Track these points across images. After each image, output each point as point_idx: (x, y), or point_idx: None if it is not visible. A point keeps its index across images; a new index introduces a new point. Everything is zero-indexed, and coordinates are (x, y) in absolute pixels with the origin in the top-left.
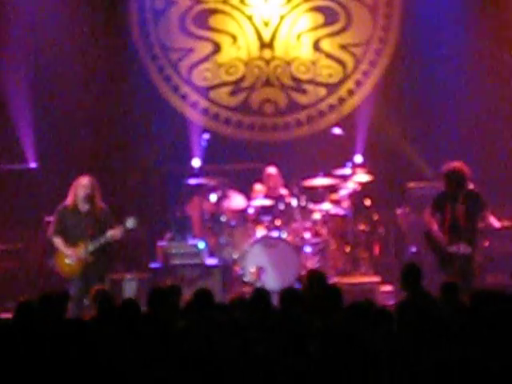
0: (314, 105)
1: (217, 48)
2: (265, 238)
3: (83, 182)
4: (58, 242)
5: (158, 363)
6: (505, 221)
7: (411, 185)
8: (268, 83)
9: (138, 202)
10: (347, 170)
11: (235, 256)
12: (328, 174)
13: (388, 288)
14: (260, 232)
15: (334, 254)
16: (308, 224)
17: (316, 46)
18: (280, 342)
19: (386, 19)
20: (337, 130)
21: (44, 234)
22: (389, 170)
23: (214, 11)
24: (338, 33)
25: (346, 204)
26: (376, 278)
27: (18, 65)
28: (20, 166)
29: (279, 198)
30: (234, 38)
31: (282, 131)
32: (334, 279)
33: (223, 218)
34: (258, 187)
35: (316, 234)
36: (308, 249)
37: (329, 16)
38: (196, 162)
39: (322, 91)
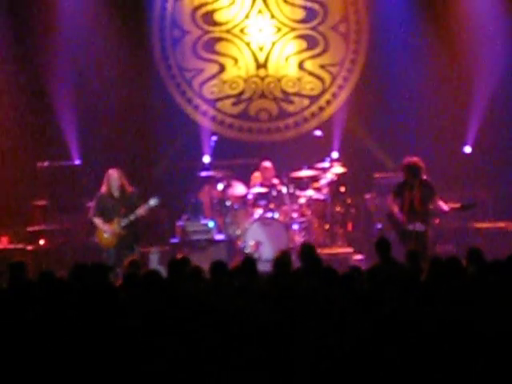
0: (299, 113)
1: (222, 68)
2: (261, 218)
3: (113, 174)
4: (97, 221)
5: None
6: (451, 204)
7: (377, 175)
8: (263, 96)
9: (160, 190)
10: (326, 164)
11: (238, 232)
12: (311, 167)
13: (359, 257)
14: (257, 213)
15: (316, 231)
16: (295, 207)
17: (301, 66)
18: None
19: (356, 44)
20: (318, 133)
21: (86, 216)
22: (359, 163)
23: (220, 39)
24: (318, 55)
25: (325, 191)
26: (349, 249)
27: (64, 75)
28: (66, 163)
29: (272, 187)
30: (236, 60)
31: (274, 134)
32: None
33: (228, 203)
34: (256, 174)
35: (302, 215)
36: (296, 226)
37: (310, 42)
38: (206, 159)
39: (306, 102)
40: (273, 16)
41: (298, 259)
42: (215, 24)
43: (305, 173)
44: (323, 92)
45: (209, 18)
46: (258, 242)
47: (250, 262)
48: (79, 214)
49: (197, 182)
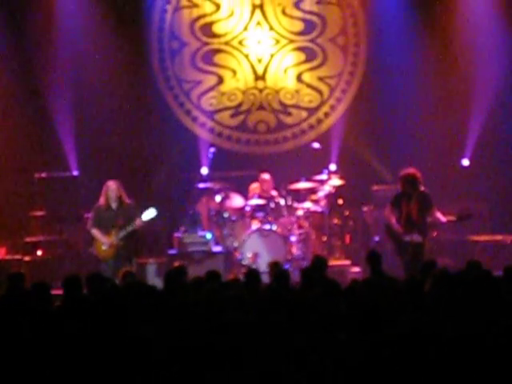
0: (297, 125)
1: (220, 80)
2: (259, 230)
3: (111, 186)
4: (95, 232)
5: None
6: (448, 216)
7: (375, 187)
8: (261, 107)
9: (158, 201)
10: (324, 176)
11: (236, 244)
12: (309, 179)
13: (356, 269)
14: (255, 225)
15: (313, 243)
16: (293, 219)
17: (299, 78)
18: (270, 308)
19: (354, 57)
20: (316, 145)
21: (84, 227)
22: (357, 175)
23: (218, 51)
24: (316, 67)
25: (323, 203)
26: (347, 262)
27: (62, 88)
28: (64, 174)
29: (270, 198)
30: (234, 72)
31: (272, 145)
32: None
33: (226, 214)
34: (254, 186)
35: (299, 227)
36: (293, 238)
37: (309, 54)
38: (204, 170)
39: (304, 114)
40: (271, 28)
41: (293, 270)
42: (214, 36)
43: (303, 185)
44: (321, 104)
45: (207, 29)
46: (256, 253)
47: (253, 274)
48: (77, 225)
49: (195, 194)
